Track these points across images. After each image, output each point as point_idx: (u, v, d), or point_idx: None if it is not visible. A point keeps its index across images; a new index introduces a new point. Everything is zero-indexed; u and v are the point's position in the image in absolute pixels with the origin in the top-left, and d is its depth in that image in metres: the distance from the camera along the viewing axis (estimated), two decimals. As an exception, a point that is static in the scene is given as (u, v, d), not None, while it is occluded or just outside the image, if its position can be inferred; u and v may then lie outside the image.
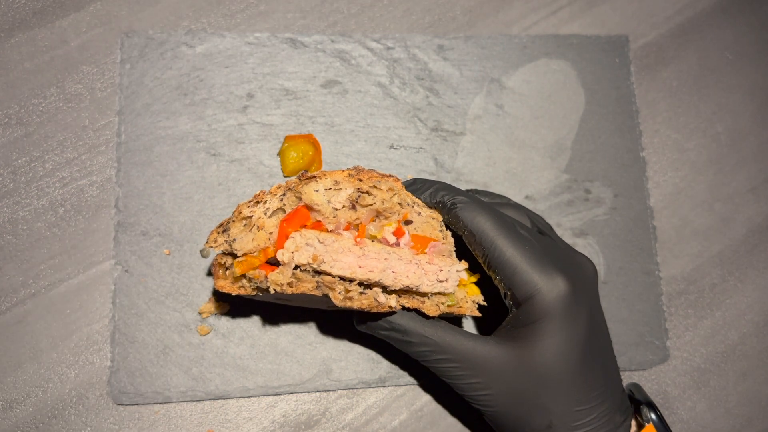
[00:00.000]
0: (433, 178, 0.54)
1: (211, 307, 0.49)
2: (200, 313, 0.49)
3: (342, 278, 0.39)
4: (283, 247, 0.39)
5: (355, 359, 0.50)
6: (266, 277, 0.39)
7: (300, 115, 0.54)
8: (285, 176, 0.52)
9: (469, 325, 0.52)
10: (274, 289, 0.38)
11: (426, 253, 0.42)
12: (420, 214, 0.42)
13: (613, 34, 0.61)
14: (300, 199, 0.40)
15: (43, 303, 0.49)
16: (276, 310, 0.50)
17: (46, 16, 0.54)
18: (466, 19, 0.59)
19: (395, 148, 0.55)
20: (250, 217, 0.40)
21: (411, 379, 0.51)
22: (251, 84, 0.54)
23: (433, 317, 0.42)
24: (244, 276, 0.40)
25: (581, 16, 0.61)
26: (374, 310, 0.40)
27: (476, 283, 0.44)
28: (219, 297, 0.49)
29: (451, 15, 0.59)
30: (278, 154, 0.53)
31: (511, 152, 0.56)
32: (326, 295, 0.39)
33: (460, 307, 0.42)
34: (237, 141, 0.53)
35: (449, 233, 0.43)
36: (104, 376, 0.48)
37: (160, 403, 0.48)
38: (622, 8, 0.62)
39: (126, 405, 0.48)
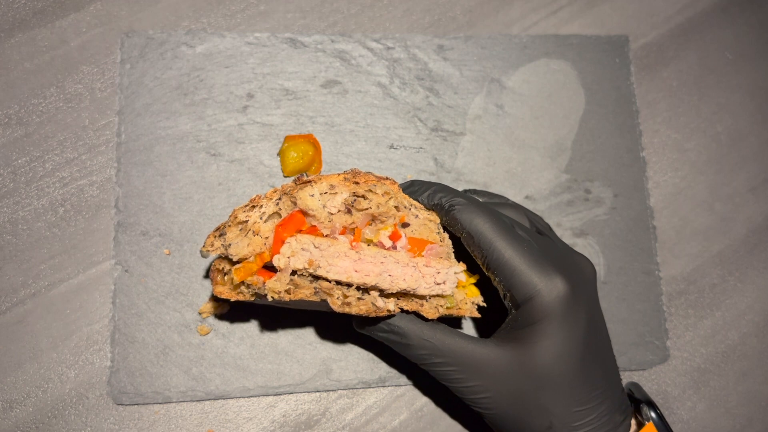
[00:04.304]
0: (433, 178, 0.54)
1: (210, 307, 0.49)
2: (200, 313, 0.49)
3: (339, 283, 0.39)
4: (278, 253, 0.38)
5: (355, 359, 0.50)
6: (264, 283, 0.38)
7: (300, 115, 0.54)
8: (285, 176, 0.52)
9: (468, 326, 0.52)
10: (272, 297, 0.38)
11: (423, 256, 0.42)
12: (417, 216, 0.42)
13: (613, 34, 0.60)
14: (295, 203, 0.40)
15: (43, 303, 0.49)
16: (276, 311, 0.50)
17: (46, 16, 0.54)
18: (466, 19, 0.59)
19: (395, 148, 0.55)
20: (246, 221, 0.40)
21: (411, 380, 0.51)
22: (251, 84, 0.54)
23: (433, 320, 0.42)
24: (242, 282, 0.40)
25: (581, 16, 0.61)
26: (373, 315, 0.40)
27: (476, 284, 0.44)
28: (218, 298, 0.49)
29: (451, 15, 0.59)
30: (278, 154, 0.53)
31: (511, 152, 0.56)
32: (325, 301, 0.39)
33: (460, 308, 0.42)
34: (237, 141, 0.53)
35: (447, 235, 0.43)
36: (104, 376, 0.48)
37: (160, 403, 0.48)
38: (622, 8, 0.62)
39: (126, 405, 0.48)
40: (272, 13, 0.57)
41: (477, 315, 0.43)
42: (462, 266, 0.42)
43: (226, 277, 0.41)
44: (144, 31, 0.54)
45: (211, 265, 0.44)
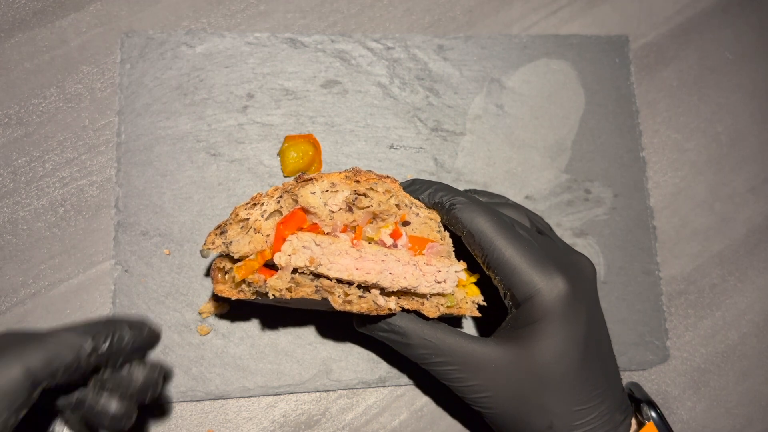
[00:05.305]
0: (433, 178, 0.54)
1: (210, 307, 0.49)
2: (200, 313, 0.49)
3: (340, 281, 0.39)
4: (280, 250, 0.38)
5: (355, 359, 0.50)
6: (265, 281, 0.38)
7: (300, 115, 0.54)
8: (285, 176, 0.52)
9: (469, 326, 0.52)
10: (273, 295, 0.38)
11: (424, 254, 0.42)
12: (418, 215, 0.42)
13: (613, 34, 0.61)
14: (296, 201, 0.40)
15: (43, 303, 0.49)
16: (276, 311, 0.50)
17: (46, 16, 0.54)
18: (466, 19, 0.59)
19: (395, 148, 0.55)
20: (247, 219, 0.40)
21: (411, 380, 0.51)
22: (251, 84, 0.54)
23: (433, 319, 0.42)
24: (244, 281, 0.40)
25: (581, 16, 0.61)
26: (374, 313, 0.40)
27: (476, 283, 0.44)
28: (219, 297, 0.49)
29: (451, 15, 0.59)
30: (278, 154, 0.53)
31: (511, 152, 0.56)
32: (326, 300, 0.39)
33: (460, 307, 0.42)
34: (237, 141, 0.53)
35: (447, 234, 0.43)
36: (104, 376, 0.48)
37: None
38: (622, 8, 0.62)
39: (126, 405, 0.48)
40: (272, 13, 0.57)
41: (477, 314, 0.43)
42: (462, 265, 0.42)
43: (227, 276, 0.41)
44: (144, 31, 0.54)
45: (211, 264, 0.44)
